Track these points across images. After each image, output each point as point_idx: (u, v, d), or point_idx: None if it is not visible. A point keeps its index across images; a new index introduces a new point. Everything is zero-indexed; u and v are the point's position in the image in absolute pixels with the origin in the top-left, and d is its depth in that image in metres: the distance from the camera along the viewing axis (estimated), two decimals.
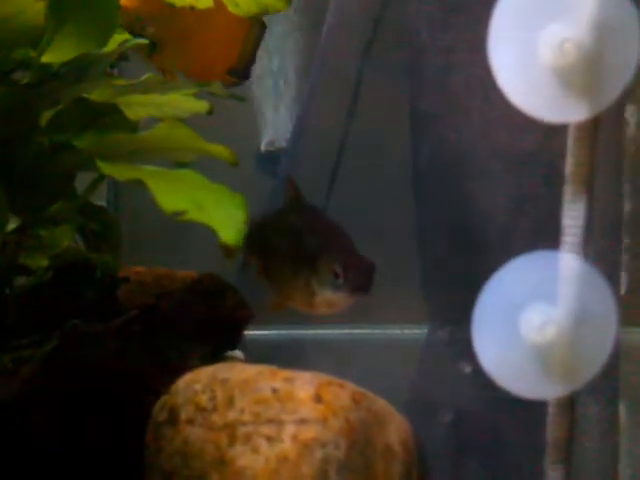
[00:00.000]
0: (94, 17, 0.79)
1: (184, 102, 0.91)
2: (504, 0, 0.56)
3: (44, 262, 0.88)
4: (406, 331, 1.24)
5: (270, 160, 1.35)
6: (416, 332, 1.08)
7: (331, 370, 0.68)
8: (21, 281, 0.86)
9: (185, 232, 1.26)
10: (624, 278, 0.82)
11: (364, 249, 1.13)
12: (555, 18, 0.54)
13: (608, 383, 0.74)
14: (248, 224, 0.76)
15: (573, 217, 0.56)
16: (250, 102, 1.34)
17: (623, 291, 0.84)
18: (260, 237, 0.83)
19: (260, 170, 1.36)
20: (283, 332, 1.31)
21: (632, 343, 0.83)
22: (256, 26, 0.95)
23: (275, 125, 1.36)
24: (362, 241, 1.09)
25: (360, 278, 0.71)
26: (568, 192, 0.56)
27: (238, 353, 1.11)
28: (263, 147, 1.37)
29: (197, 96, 0.91)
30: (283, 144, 1.34)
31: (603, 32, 0.53)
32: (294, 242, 0.77)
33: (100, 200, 1.19)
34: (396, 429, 0.66)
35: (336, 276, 0.71)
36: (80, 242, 0.94)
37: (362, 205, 1.20)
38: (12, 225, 0.77)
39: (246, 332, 1.03)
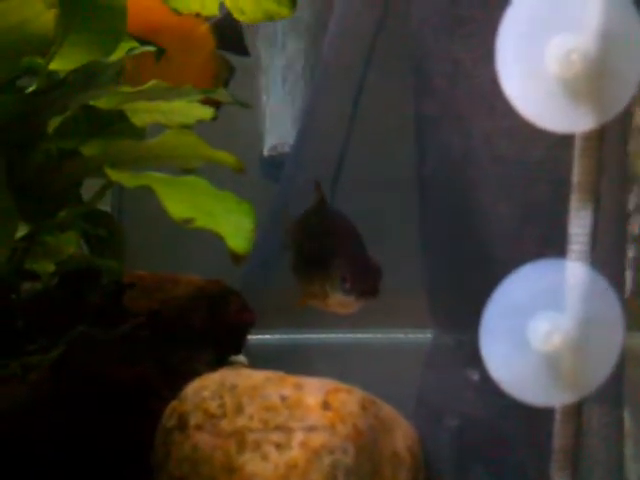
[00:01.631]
0: (102, 25, 0.80)
1: (190, 109, 0.92)
2: (512, 10, 0.56)
3: (50, 268, 0.88)
4: (410, 335, 1.24)
5: (273, 165, 1.35)
6: (420, 337, 1.08)
7: (335, 375, 0.69)
8: (27, 287, 0.86)
9: (189, 237, 1.26)
10: (629, 284, 0.82)
11: (369, 253, 1.13)
12: (562, 29, 0.55)
13: (614, 389, 0.75)
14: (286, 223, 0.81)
15: (579, 225, 0.56)
16: (254, 108, 1.34)
17: (627, 295, 0.84)
18: (293, 236, 0.88)
19: (264, 175, 1.37)
20: (287, 336, 1.31)
21: (638, 348, 0.84)
22: (225, 67, 0.99)
23: (278, 130, 1.36)
24: (366, 245, 1.09)
25: (366, 284, 0.74)
26: (574, 201, 0.56)
27: (242, 358, 1.11)
28: (266, 152, 1.37)
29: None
30: (286, 149, 1.34)
31: (609, 42, 0.54)
32: (313, 245, 0.81)
33: (104, 205, 1.19)
34: (403, 435, 0.66)
35: (344, 281, 0.74)
36: (85, 247, 0.94)
37: (365, 210, 1.20)
38: (20, 232, 0.77)
39: (250, 337, 1.03)
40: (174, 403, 0.66)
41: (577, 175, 0.56)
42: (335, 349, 1.28)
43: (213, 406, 0.62)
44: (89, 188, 0.88)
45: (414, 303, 1.00)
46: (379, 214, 1.20)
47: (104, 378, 0.73)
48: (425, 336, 0.95)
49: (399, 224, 1.09)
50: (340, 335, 1.29)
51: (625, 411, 0.78)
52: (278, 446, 0.58)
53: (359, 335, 1.29)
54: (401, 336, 1.25)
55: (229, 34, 0.97)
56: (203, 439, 0.60)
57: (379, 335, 1.28)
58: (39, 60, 0.77)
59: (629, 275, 0.80)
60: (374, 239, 1.18)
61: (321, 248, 0.80)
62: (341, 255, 0.77)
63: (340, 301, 0.76)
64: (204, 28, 0.95)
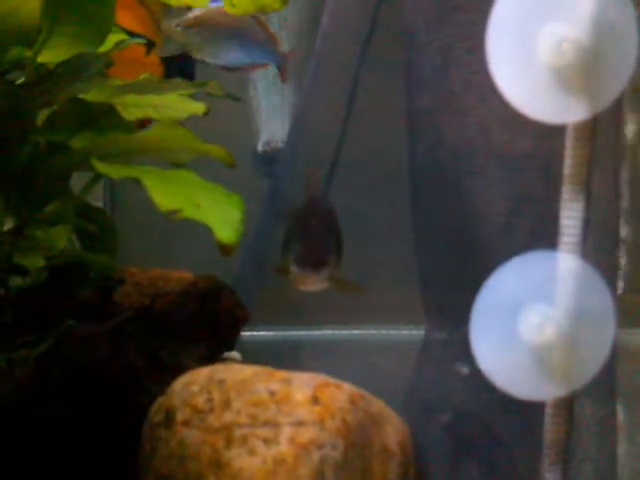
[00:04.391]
0: (90, 16, 0.79)
1: (181, 103, 0.91)
2: (502, 0, 0.56)
3: (40, 263, 0.87)
4: (403, 331, 1.24)
5: (267, 160, 1.35)
6: (413, 333, 1.08)
7: (328, 371, 0.68)
8: (17, 282, 0.86)
9: (183, 233, 1.26)
10: (621, 278, 0.81)
11: (362, 249, 1.12)
12: (553, 18, 0.54)
13: (606, 383, 0.74)
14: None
15: (571, 217, 0.56)
16: (247, 103, 1.33)
17: (620, 291, 0.84)
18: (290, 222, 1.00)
19: (257, 170, 1.36)
20: (281, 333, 1.31)
21: (631, 344, 0.83)
22: None
23: (272, 126, 1.36)
24: (360, 241, 1.08)
25: (311, 259, 0.87)
26: (566, 192, 0.56)
27: (235, 354, 1.10)
28: (260, 147, 1.37)
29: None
30: (280, 145, 1.33)
31: (601, 32, 0.53)
32: (293, 230, 0.93)
33: (97, 201, 1.19)
34: (393, 430, 0.65)
35: (296, 257, 0.88)
36: (77, 243, 0.94)
37: (359, 206, 1.19)
38: (8, 225, 0.76)
39: (244, 333, 1.03)
40: (161, 398, 0.65)
41: (569, 166, 0.55)
42: (329, 345, 1.28)
43: (200, 401, 0.61)
44: (83, 182, 0.87)
45: (406, 299, 1.00)
46: (373, 210, 1.20)
47: (91, 373, 0.72)
48: (417, 332, 0.95)
49: (393, 219, 1.08)
50: (334, 331, 1.29)
51: (618, 406, 0.77)
52: (266, 441, 0.57)
53: (353, 331, 1.28)
54: (394, 332, 1.24)
55: (180, 66, 1.10)
56: (190, 434, 0.60)
57: (372, 331, 1.28)
58: (26, 52, 0.76)
59: (622, 271, 0.79)
60: (368, 235, 1.18)
61: (297, 232, 0.92)
62: (304, 237, 0.90)
63: (297, 276, 0.87)
64: (154, 58, 1.05)
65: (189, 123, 0.91)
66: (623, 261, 0.78)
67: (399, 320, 1.24)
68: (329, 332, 1.29)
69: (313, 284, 0.88)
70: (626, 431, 0.84)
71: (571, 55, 0.53)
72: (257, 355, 1.13)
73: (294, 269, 0.87)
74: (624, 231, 0.71)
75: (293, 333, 1.29)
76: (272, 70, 1.33)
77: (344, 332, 1.29)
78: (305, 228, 0.91)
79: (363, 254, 1.14)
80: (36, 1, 0.68)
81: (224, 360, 1.07)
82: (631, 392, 0.85)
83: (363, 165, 1.22)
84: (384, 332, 1.27)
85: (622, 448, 0.80)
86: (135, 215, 1.21)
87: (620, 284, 0.82)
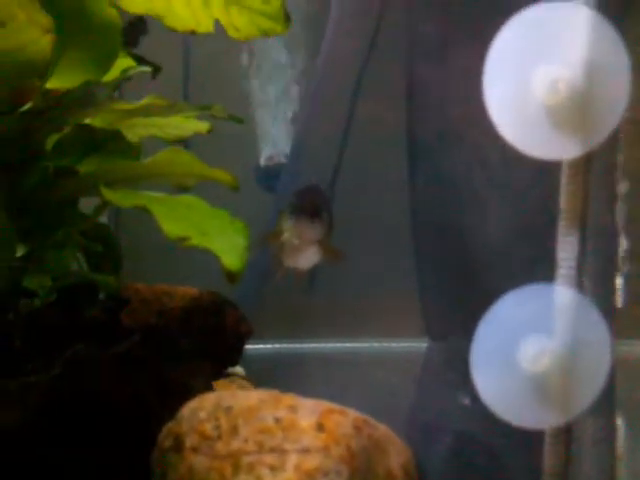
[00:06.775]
0: (97, 44, 0.80)
1: (186, 122, 0.92)
2: (500, 39, 0.57)
3: (47, 283, 0.88)
4: (404, 345, 1.25)
5: (269, 175, 1.36)
6: (415, 346, 1.09)
7: (330, 383, 0.70)
8: (25, 303, 0.87)
9: (186, 249, 1.27)
10: (622, 291, 0.82)
11: (364, 264, 1.13)
12: (548, 58, 0.55)
13: (606, 405, 0.75)
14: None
15: (567, 250, 0.57)
16: (250, 118, 1.35)
17: (620, 304, 0.85)
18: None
19: (259, 185, 1.38)
20: (282, 346, 1.32)
21: (632, 355, 0.84)
22: None
23: (275, 141, 1.37)
24: (362, 256, 1.09)
25: (306, 209, 0.89)
26: (562, 226, 0.57)
27: (239, 369, 1.12)
28: (263, 162, 1.38)
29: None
30: (282, 159, 1.35)
31: (594, 72, 0.55)
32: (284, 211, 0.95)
33: (102, 217, 1.19)
34: (396, 453, 0.67)
35: (293, 207, 0.89)
36: (82, 261, 0.95)
37: (360, 222, 1.21)
38: (18, 252, 0.78)
39: (246, 346, 1.04)
40: (170, 424, 0.66)
41: (564, 201, 0.57)
42: (331, 358, 1.29)
43: (209, 428, 0.63)
44: (88, 199, 0.88)
45: (407, 313, 1.01)
46: (374, 226, 1.21)
47: (100, 398, 0.73)
48: (418, 345, 0.96)
49: (395, 235, 1.10)
50: (336, 345, 1.30)
51: (618, 421, 0.78)
52: (272, 468, 0.59)
53: (354, 344, 1.29)
54: (394, 345, 1.25)
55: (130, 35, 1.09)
56: (199, 461, 0.61)
57: (373, 344, 1.29)
58: (36, 81, 0.77)
59: (622, 284, 0.80)
60: (371, 250, 1.19)
61: (293, 200, 0.93)
62: (300, 195, 0.92)
63: (291, 229, 0.88)
64: None
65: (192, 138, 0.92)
66: (620, 281, 0.79)
67: (400, 333, 1.25)
68: (331, 345, 1.30)
69: (307, 236, 0.88)
70: (626, 444, 0.85)
71: (565, 94, 0.55)
72: (259, 369, 1.14)
73: (290, 222, 0.88)
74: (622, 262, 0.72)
75: (294, 346, 1.30)
76: (276, 86, 1.34)
77: (346, 345, 1.30)
78: (302, 195, 0.93)
79: (366, 268, 1.16)
80: (48, 38, 0.70)
81: (228, 376, 1.08)
82: (631, 404, 0.86)
83: (363, 178, 1.24)
84: (385, 345, 1.28)
85: (622, 463, 0.81)
86: (139, 230, 1.22)
87: (620, 297, 0.83)
